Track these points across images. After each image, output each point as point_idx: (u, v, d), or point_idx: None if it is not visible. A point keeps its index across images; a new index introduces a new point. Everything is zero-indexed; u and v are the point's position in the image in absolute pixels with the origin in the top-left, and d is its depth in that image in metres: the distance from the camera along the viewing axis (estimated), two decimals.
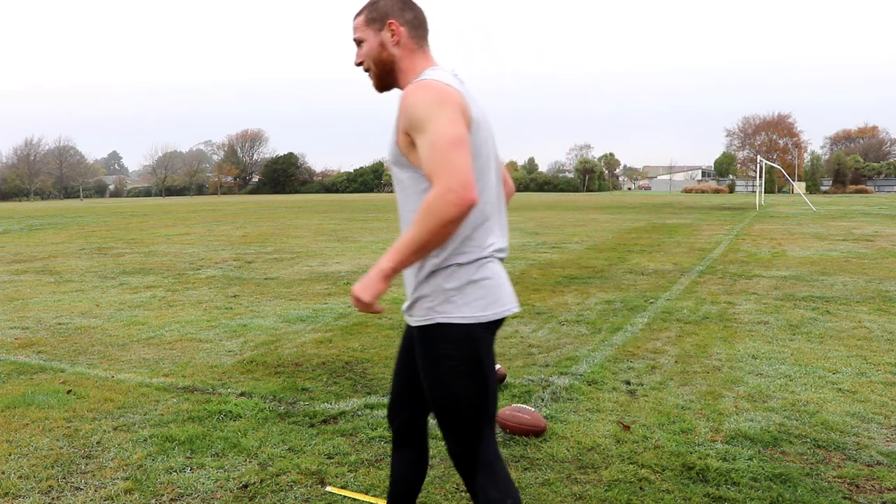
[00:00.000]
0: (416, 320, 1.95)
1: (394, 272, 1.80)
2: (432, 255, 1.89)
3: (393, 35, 1.99)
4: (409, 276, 1.98)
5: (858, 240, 14.09)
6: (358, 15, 2.04)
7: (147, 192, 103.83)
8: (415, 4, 2.04)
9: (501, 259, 2.02)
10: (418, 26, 2.02)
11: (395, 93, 2.06)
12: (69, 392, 4.34)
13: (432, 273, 1.91)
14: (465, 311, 1.89)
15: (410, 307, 1.96)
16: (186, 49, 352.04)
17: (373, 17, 2.00)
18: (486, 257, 1.93)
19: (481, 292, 1.90)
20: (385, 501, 2.87)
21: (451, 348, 1.91)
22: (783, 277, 8.87)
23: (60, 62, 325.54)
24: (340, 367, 4.87)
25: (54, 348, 5.58)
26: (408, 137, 1.86)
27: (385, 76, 2.03)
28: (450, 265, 1.90)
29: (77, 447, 3.49)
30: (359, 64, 2.05)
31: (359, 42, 2.04)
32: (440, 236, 1.74)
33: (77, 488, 3.05)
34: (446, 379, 1.94)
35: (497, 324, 1.98)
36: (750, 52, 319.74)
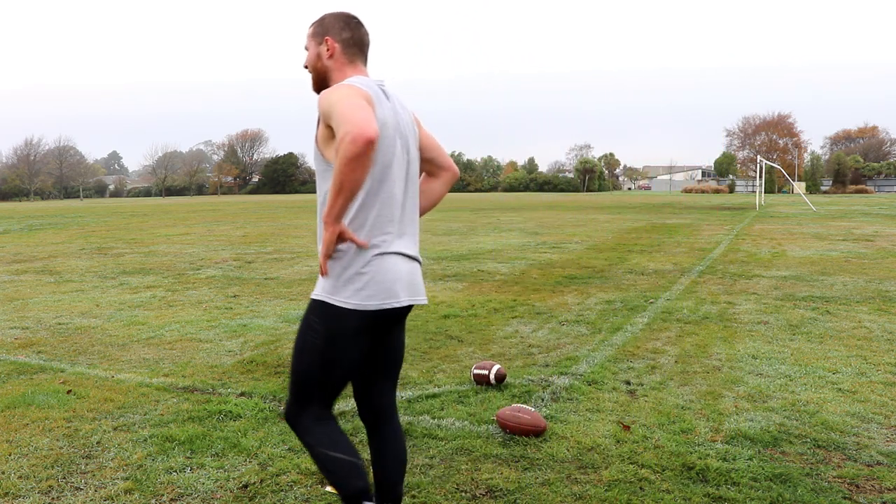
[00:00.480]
0: (314, 293, 2.20)
1: (331, 217, 2.00)
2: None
3: (327, 49, 2.29)
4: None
5: (858, 240, 14.09)
6: (310, 26, 2.35)
7: (147, 192, 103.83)
8: (356, 26, 2.32)
9: (408, 256, 2.24)
10: (352, 45, 2.30)
11: None
12: (69, 392, 4.34)
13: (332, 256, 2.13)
14: (345, 296, 2.11)
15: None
16: (186, 49, 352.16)
17: (316, 31, 2.31)
18: (381, 252, 2.14)
19: (365, 283, 2.11)
20: None
21: (319, 323, 2.16)
22: (783, 277, 8.87)
23: (60, 62, 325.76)
24: None
25: (54, 348, 5.58)
26: (328, 130, 2.10)
27: (319, 82, 2.32)
28: (345, 252, 2.11)
29: (77, 447, 3.49)
30: (305, 67, 2.36)
31: (307, 49, 2.35)
32: (348, 175, 1.92)
33: (77, 488, 3.05)
34: (302, 345, 2.21)
35: (383, 315, 2.16)
36: (750, 51, 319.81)
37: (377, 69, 2.28)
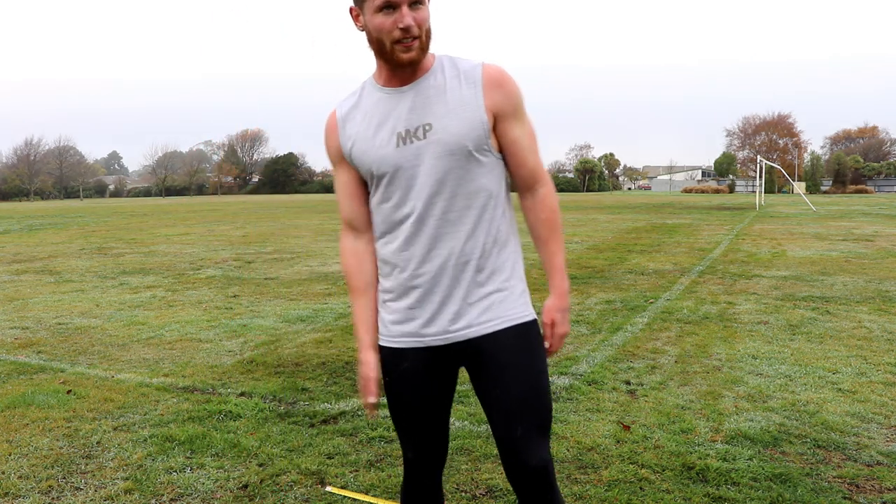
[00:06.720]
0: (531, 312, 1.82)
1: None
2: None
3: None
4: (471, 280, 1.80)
5: (858, 240, 14.09)
6: None
7: (147, 192, 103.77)
8: None
9: None
10: None
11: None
12: (69, 392, 4.34)
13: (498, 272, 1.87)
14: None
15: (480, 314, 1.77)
16: (187, 48, 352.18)
17: None
18: None
19: None
20: (385, 501, 2.87)
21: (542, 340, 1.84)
22: (783, 277, 8.86)
23: (60, 61, 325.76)
24: (340, 367, 4.87)
25: (54, 348, 5.58)
26: (494, 120, 1.74)
27: (427, 48, 1.70)
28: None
29: (77, 447, 3.49)
30: (407, 28, 1.61)
31: (415, 3, 1.63)
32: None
33: (77, 488, 3.05)
34: (544, 368, 1.80)
35: None
36: (750, 51, 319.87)
37: (374, 67, 1.83)
